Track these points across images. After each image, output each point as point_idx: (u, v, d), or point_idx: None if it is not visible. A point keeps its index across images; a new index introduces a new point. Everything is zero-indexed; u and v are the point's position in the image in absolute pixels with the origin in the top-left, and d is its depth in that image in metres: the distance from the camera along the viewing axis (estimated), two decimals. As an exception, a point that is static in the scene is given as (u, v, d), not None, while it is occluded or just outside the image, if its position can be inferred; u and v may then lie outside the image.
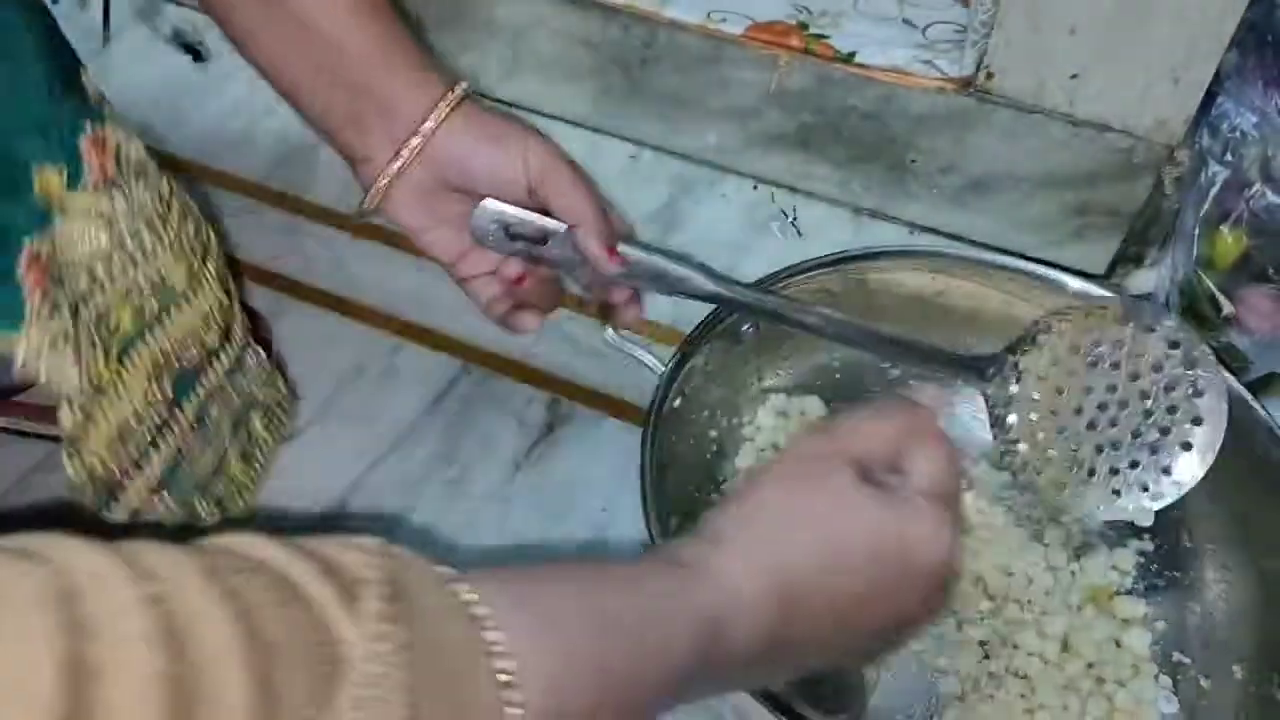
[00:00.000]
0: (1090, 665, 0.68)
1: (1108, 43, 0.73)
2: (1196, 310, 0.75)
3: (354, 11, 0.62)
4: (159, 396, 0.59)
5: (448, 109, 0.64)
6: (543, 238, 0.67)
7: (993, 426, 0.63)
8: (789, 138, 0.86)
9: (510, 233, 0.66)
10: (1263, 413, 0.65)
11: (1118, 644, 0.69)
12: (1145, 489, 0.61)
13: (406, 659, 0.31)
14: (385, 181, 0.63)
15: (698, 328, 0.69)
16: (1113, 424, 0.62)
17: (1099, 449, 0.62)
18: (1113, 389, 0.61)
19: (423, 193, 0.65)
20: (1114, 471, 0.62)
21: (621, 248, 0.67)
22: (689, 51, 0.84)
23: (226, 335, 0.63)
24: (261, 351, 0.67)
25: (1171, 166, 0.77)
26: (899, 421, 0.49)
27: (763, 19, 0.84)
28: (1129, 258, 0.83)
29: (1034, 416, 0.63)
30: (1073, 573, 0.71)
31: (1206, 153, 0.74)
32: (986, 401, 0.63)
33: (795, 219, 0.87)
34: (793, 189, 0.88)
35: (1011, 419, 0.63)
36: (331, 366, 0.78)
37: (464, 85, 0.66)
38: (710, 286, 0.67)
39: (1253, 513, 0.67)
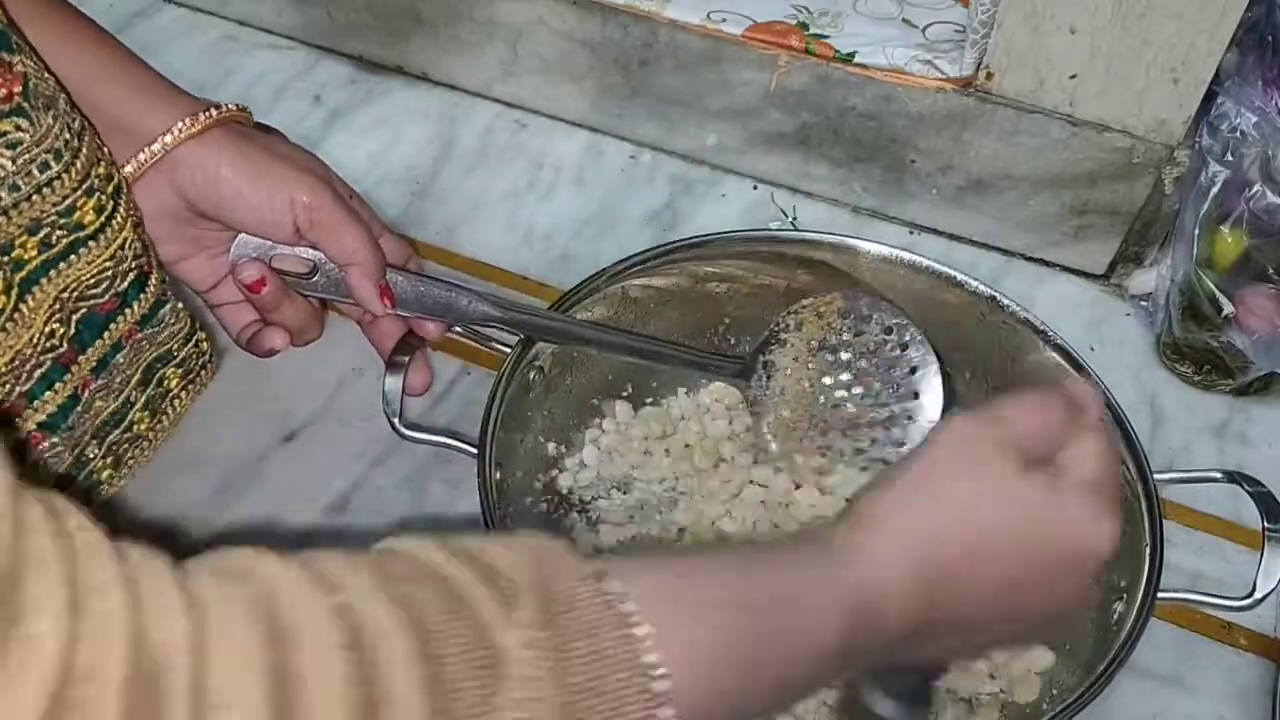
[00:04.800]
0: None
1: (1107, 42, 0.73)
2: (1197, 310, 0.75)
3: (75, 42, 0.61)
4: (61, 334, 0.58)
5: (188, 130, 0.62)
6: (309, 271, 0.65)
7: (755, 421, 0.70)
8: (789, 138, 0.86)
9: (273, 267, 0.65)
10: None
11: None
12: (885, 463, 0.68)
13: (560, 662, 0.34)
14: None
15: (489, 405, 0.64)
16: (852, 407, 0.69)
17: (844, 433, 0.69)
18: (846, 375, 0.69)
19: (173, 219, 0.64)
20: (859, 452, 0.69)
21: (393, 277, 0.65)
22: (689, 52, 0.84)
23: (142, 285, 0.62)
24: (182, 308, 0.66)
25: (1171, 166, 0.77)
26: (1062, 410, 0.47)
27: (762, 19, 0.84)
28: (1129, 257, 0.83)
29: (786, 413, 0.69)
30: None
31: (1206, 152, 0.74)
32: (748, 401, 0.70)
33: (795, 219, 0.87)
34: (793, 189, 0.88)
35: (769, 416, 0.69)
36: (331, 366, 0.77)
37: (220, 111, 0.63)
38: (490, 311, 0.66)
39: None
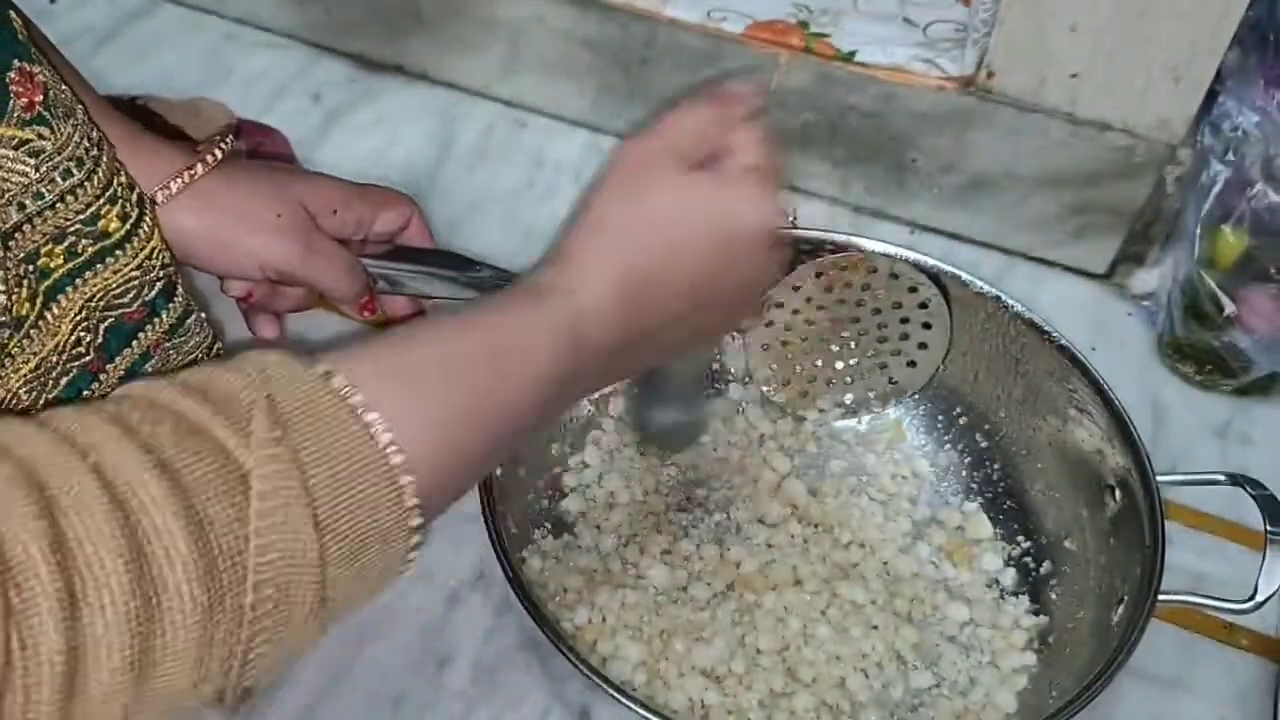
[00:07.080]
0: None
1: (1108, 41, 0.73)
2: (1199, 310, 0.75)
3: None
4: (88, 341, 0.58)
5: (162, 200, 0.63)
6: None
7: (746, 350, 0.72)
8: (789, 137, 0.85)
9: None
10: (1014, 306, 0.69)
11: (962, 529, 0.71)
12: (871, 391, 0.72)
13: (297, 466, 0.37)
14: None
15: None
16: (854, 348, 0.72)
17: (835, 365, 0.72)
18: (856, 321, 0.70)
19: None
20: (849, 382, 0.72)
21: (374, 266, 0.69)
22: (689, 50, 0.84)
23: (169, 295, 0.62)
24: (205, 318, 0.66)
25: (1173, 166, 0.77)
26: (713, 109, 0.52)
27: (763, 18, 0.83)
28: (1130, 257, 0.83)
29: (784, 343, 0.71)
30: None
31: (1208, 152, 0.73)
32: (741, 331, 0.71)
33: (795, 218, 0.87)
34: (793, 188, 0.88)
35: (763, 347, 0.71)
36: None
37: (194, 171, 0.64)
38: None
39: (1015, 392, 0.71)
